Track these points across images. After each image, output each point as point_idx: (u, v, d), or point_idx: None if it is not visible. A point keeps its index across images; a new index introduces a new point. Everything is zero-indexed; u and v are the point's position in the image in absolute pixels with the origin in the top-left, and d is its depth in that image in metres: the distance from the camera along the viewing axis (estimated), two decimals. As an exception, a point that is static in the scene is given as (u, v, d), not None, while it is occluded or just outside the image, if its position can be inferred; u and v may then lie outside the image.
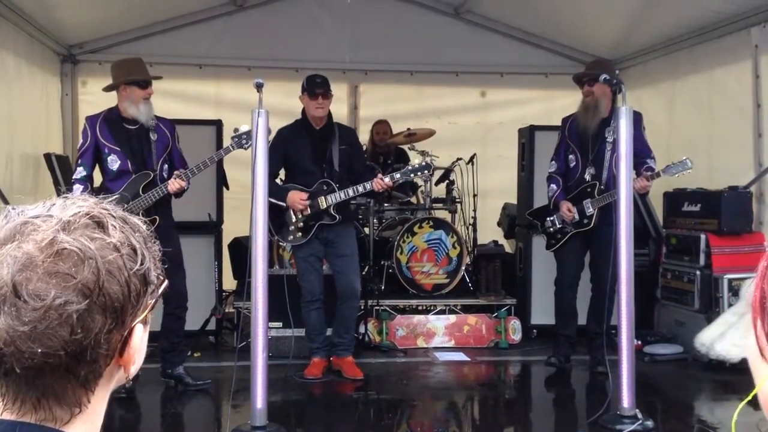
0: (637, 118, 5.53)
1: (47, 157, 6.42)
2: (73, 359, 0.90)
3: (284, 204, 5.31)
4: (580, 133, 5.51)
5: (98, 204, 0.96)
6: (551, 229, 5.63)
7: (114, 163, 4.87)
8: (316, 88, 5.33)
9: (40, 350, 0.87)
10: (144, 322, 0.98)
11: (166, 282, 1.02)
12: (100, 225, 0.93)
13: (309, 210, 5.32)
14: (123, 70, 4.94)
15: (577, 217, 5.45)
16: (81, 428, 0.94)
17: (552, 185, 5.66)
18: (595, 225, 5.42)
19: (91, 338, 0.90)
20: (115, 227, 0.94)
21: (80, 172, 4.87)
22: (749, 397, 0.85)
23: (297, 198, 5.31)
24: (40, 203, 0.96)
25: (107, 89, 5.06)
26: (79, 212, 0.93)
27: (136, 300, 0.94)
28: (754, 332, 0.81)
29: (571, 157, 5.61)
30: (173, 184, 4.79)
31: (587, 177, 5.49)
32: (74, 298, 0.88)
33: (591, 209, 5.42)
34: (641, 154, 5.35)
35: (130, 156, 4.88)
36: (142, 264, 0.95)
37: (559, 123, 5.79)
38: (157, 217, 4.80)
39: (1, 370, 0.90)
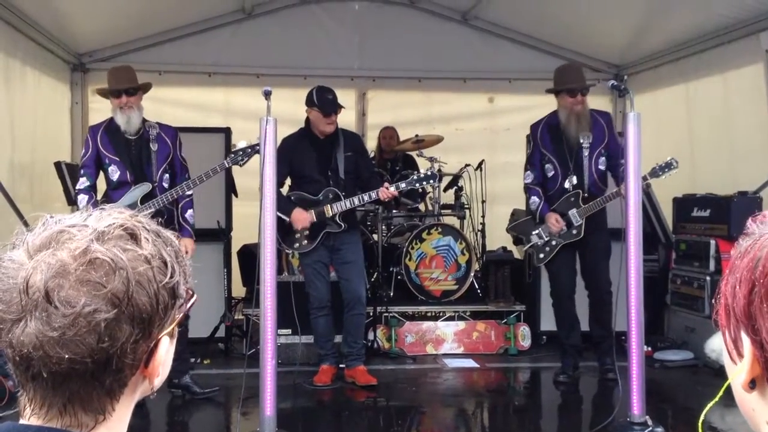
0: (609, 120, 5.59)
1: (58, 165, 6.45)
2: (99, 367, 0.92)
3: (287, 219, 5.30)
4: (565, 141, 5.40)
5: (133, 216, 0.99)
6: (539, 243, 5.51)
7: (114, 173, 4.89)
8: (330, 106, 5.32)
9: (67, 356, 0.89)
10: (171, 335, 1.00)
11: (195, 297, 1.04)
12: (133, 237, 0.95)
13: (315, 219, 5.33)
14: (107, 78, 4.98)
15: (565, 228, 5.36)
16: None
17: (533, 197, 5.52)
18: (584, 233, 5.35)
19: (118, 347, 0.92)
20: (147, 240, 0.96)
21: (83, 183, 4.89)
22: (716, 399, 0.88)
23: (300, 218, 5.30)
24: (78, 213, 0.99)
25: (100, 95, 5.13)
26: (114, 224, 0.95)
27: (163, 312, 0.96)
28: (723, 336, 0.85)
29: (548, 166, 5.48)
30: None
31: (567, 185, 5.38)
32: (104, 306, 0.90)
33: (579, 219, 5.32)
34: (616, 155, 5.33)
35: (129, 167, 4.89)
36: (171, 277, 0.97)
37: None
38: None
39: (28, 373, 0.92)
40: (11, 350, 0.91)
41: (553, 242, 5.46)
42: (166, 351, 0.99)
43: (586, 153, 5.36)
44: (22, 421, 0.96)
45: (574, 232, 5.37)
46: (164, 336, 0.98)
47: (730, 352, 0.85)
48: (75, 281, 0.89)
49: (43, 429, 0.94)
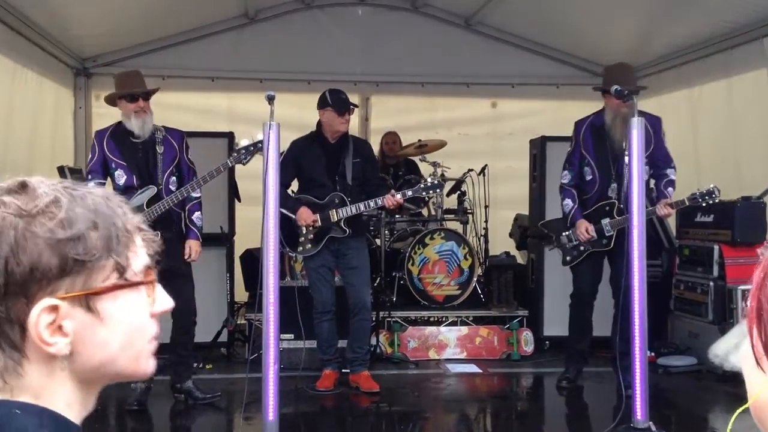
0: (657, 124, 5.23)
1: (61, 169, 6.45)
2: None
3: (293, 216, 5.32)
4: (609, 144, 5.18)
5: (61, 182, 0.96)
6: (568, 246, 5.39)
7: (120, 177, 4.89)
8: (344, 105, 5.36)
9: None
10: (89, 309, 0.94)
11: (149, 280, 1.00)
12: (24, 188, 0.93)
13: (319, 222, 5.34)
14: (116, 84, 4.99)
15: (595, 236, 5.20)
16: (28, 400, 0.93)
17: (567, 200, 5.35)
18: (617, 242, 5.13)
19: None
20: (47, 194, 0.92)
21: None
22: (745, 406, 0.85)
23: (305, 215, 5.31)
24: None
25: (107, 103, 5.12)
26: (19, 179, 0.93)
27: (41, 271, 0.90)
28: (751, 341, 0.82)
29: (586, 169, 5.30)
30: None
31: (610, 193, 5.18)
32: None
33: (610, 230, 5.15)
34: (661, 163, 5.13)
35: (136, 170, 4.89)
36: (71, 239, 0.91)
37: (570, 133, 5.58)
38: (159, 232, 4.78)
39: None
40: None
41: (582, 248, 5.32)
42: (37, 316, 0.90)
43: (627, 161, 5.15)
44: None
45: (604, 242, 5.21)
46: (46, 301, 0.91)
47: (758, 358, 0.82)
48: None
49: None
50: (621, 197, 5.15)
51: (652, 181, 5.19)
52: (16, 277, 0.90)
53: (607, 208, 5.23)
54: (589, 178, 5.31)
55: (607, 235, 5.21)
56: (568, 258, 5.46)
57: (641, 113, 5.13)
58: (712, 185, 4.95)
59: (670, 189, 5.04)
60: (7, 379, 0.93)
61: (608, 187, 5.22)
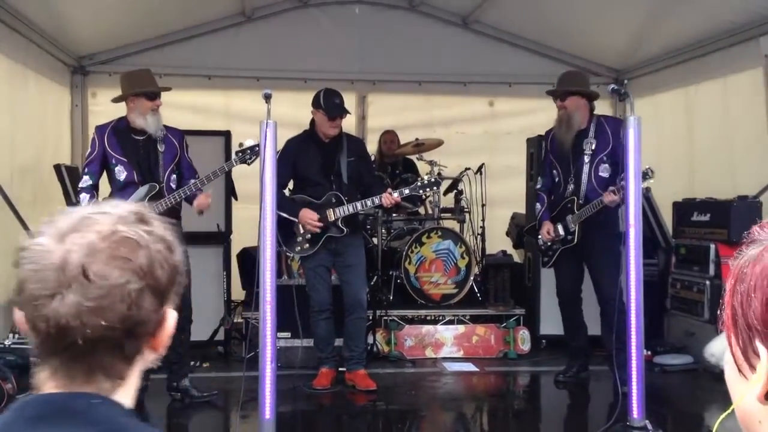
0: (617, 126, 5.41)
1: (57, 168, 6.44)
2: (125, 333, 1.05)
3: (296, 219, 5.31)
4: (559, 147, 5.46)
5: (143, 206, 1.14)
6: (543, 247, 5.61)
7: (121, 173, 4.88)
8: (335, 110, 5.33)
9: (102, 323, 1.02)
10: (175, 309, 1.13)
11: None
12: (146, 221, 1.11)
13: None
14: (131, 82, 4.96)
15: (562, 233, 5.41)
16: (123, 398, 1.09)
17: (537, 204, 5.67)
18: (579, 238, 5.34)
19: (142, 315, 1.06)
20: (157, 223, 1.12)
21: (86, 181, 4.87)
22: (728, 412, 0.86)
23: (308, 217, 5.30)
24: (89, 207, 1.12)
25: (116, 100, 5.07)
26: (130, 209, 1.11)
27: (171, 286, 1.11)
28: (730, 349, 0.83)
29: (554, 172, 5.55)
30: (201, 201, 4.88)
31: (569, 192, 5.42)
32: (132, 278, 1.04)
33: (572, 226, 5.36)
34: (622, 164, 5.17)
35: (137, 167, 4.88)
36: (177, 256, 1.12)
37: None
38: None
39: (63, 343, 1.03)
40: (46, 324, 1.01)
41: (554, 247, 5.52)
42: (174, 322, 1.12)
43: (587, 159, 5.35)
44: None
45: (569, 237, 5.42)
46: (170, 309, 1.11)
47: (739, 366, 0.83)
48: (106, 257, 1.03)
49: (74, 394, 1.05)
50: (580, 194, 5.37)
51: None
52: (161, 295, 1.11)
53: (569, 205, 5.42)
54: (557, 179, 5.55)
55: (570, 230, 5.40)
56: (545, 259, 5.67)
57: (604, 117, 5.57)
58: (647, 166, 4.94)
59: (623, 183, 5.04)
60: (117, 383, 1.11)
61: (567, 187, 5.43)
